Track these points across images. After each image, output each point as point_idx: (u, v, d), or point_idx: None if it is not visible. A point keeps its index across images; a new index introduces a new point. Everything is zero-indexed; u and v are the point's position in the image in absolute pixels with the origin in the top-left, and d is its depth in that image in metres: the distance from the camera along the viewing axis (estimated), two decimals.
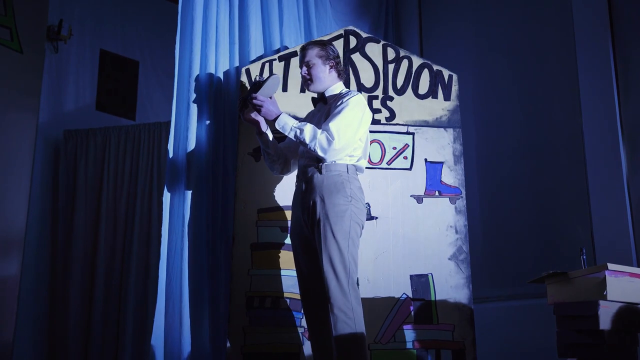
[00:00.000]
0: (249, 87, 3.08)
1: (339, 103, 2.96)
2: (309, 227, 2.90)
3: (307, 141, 2.87)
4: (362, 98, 3.02)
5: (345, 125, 2.89)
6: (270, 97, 3.06)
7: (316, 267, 2.87)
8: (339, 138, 2.86)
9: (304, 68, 3.08)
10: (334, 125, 2.87)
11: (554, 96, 4.16)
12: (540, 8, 4.34)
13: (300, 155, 3.07)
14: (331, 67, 3.08)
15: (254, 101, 2.98)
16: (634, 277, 2.66)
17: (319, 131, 2.88)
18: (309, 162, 2.97)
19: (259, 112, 2.99)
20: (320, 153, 2.87)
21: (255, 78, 3.09)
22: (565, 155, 4.02)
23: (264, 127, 3.11)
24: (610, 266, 2.61)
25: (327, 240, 2.79)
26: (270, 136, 3.15)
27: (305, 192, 2.92)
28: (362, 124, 2.97)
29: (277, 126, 2.96)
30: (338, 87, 3.10)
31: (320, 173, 2.90)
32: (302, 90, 3.54)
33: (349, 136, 2.90)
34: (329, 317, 2.76)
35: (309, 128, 2.89)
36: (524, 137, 4.28)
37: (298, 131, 2.89)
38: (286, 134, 2.94)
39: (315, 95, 3.17)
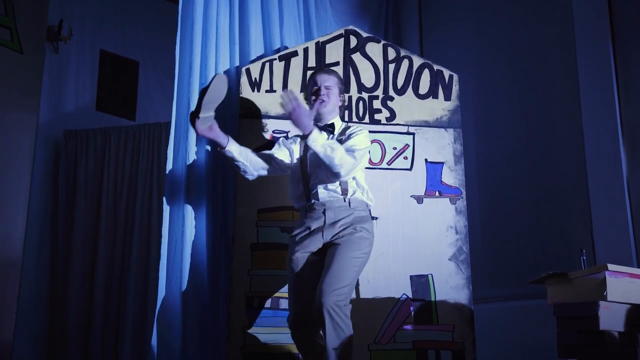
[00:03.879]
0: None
1: (351, 133, 3.02)
2: (331, 235, 2.93)
3: (336, 162, 2.87)
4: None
5: (362, 152, 3.00)
6: (222, 101, 3.02)
7: (318, 273, 2.88)
8: (358, 160, 2.97)
9: (323, 89, 3.07)
10: (357, 147, 2.95)
11: (554, 96, 4.16)
12: (541, 8, 4.34)
13: (314, 177, 3.03)
14: (341, 101, 3.16)
15: (286, 104, 2.87)
16: (634, 277, 2.65)
17: (345, 153, 2.91)
18: (330, 190, 2.98)
19: (290, 116, 2.89)
20: (342, 173, 2.91)
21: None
22: (565, 155, 4.02)
23: (225, 141, 3.02)
24: (610, 267, 2.61)
25: (352, 245, 2.87)
26: (237, 149, 3.05)
27: (334, 222, 2.95)
28: (366, 156, 3.12)
29: (309, 142, 2.88)
30: (339, 122, 3.14)
31: (350, 206, 2.97)
32: (302, 91, 3.55)
33: (362, 162, 3.04)
34: (323, 322, 2.74)
35: (341, 150, 2.89)
36: (524, 137, 4.28)
37: (329, 149, 2.87)
38: (315, 149, 2.89)
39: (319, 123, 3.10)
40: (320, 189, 2.99)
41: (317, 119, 3.07)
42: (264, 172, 3.14)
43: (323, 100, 3.07)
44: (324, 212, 2.97)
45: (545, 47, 4.26)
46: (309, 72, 3.56)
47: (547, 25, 4.29)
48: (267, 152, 3.18)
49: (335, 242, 2.93)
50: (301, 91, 3.55)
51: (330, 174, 2.93)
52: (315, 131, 2.89)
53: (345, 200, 2.98)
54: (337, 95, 3.12)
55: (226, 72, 3.69)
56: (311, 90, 3.13)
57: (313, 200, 2.99)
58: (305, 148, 3.07)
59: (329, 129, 3.09)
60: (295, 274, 2.95)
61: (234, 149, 3.04)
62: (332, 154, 2.86)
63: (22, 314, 4.28)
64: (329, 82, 3.10)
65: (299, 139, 3.16)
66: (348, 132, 3.06)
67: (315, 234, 2.96)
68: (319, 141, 2.88)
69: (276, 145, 3.21)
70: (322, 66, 3.55)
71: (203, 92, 2.91)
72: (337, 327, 2.71)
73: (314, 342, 2.90)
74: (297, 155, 3.12)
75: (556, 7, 4.22)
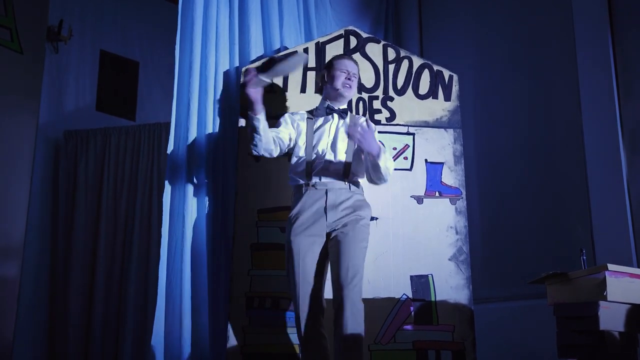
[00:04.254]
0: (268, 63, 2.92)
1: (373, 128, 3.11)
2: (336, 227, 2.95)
3: (390, 172, 3.06)
4: None
5: None
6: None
7: (323, 262, 2.93)
8: None
9: (352, 77, 3.11)
10: None
11: (554, 96, 4.16)
12: (540, 8, 4.34)
13: (319, 157, 3.05)
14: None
15: (354, 130, 2.91)
16: (634, 277, 2.65)
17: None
18: (337, 178, 3.03)
19: (359, 142, 2.93)
20: (387, 181, 3.06)
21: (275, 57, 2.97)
22: (566, 155, 4.02)
23: (259, 109, 2.98)
24: (610, 267, 2.61)
25: (359, 234, 2.93)
26: (263, 123, 3.00)
27: (336, 204, 2.98)
28: None
29: (379, 160, 2.95)
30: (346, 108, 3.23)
31: (349, 189, 3.03)
32: (303, 91, 3.55)
33: None
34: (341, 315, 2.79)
35: (391, 160, 3.07)
36: (524, 137, 4.28)
37: (389, 162, 3.02)
38: (379, 164, 2.97)
39: (328, 104, 3.13)
40: (323, 170, 3.02)
41: (334, 100, 3.11)
42: (268, 155, 3.09)
43: (349, 86, 3.10)
44: (325, 193, 2.98)
45: (545, 47, 4.26)
46: (309, 73, 3.57)
47: (546, 26, 4.29)
48: (276, 131, 3.10)
49: (341, 230, 2.93)
50: (301, 91, 3.55)
51: (377, 179, 3.04)
52: (382, 150, 2.99)
53: (345, 183, 3.01)
54: (356, 84, 3.19)
55: (226, 72, 3.69)
56: (334, 73, 3.11)
57: (315, 180, 3.01)
58: (313, 127, 3.10)
59: (343, 114, 3.14)
60: (299, 260, 2.91)
61: (262, 121, 3.00)
62: (389, 165, 3.03)
63: (22, 314, 4.28)
64: (355, 71, 3.15)
65: (306, 116, 3.16)
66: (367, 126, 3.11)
67: (317, 216, 2.96)
68: (383, 158, 2.97)
69: (283, 123, 3.15)
70: (324, 66, 3.57)
71: (279, 59, 2.92)
72: (357, 322, 2.78)
73: (322, 335, 2.89)
74: (304, 133, 3.11)
75: (556, 8, 4.22)
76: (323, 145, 3.05)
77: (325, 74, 3.18)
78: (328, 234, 2.96)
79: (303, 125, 3.14)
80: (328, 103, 3.14)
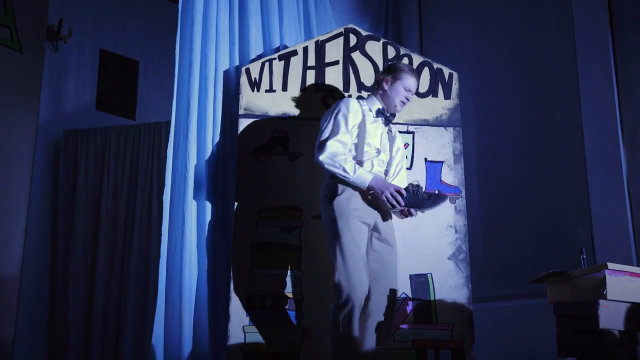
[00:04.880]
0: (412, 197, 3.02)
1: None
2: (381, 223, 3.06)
3: None
4: None
5: None
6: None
7: None
8: None
9: (411, 99, 3.20)
10: None
11: (554, 95, 4.16)
12: (541, 7, 4.35)
13: (369, 153, 3.13)
14: None
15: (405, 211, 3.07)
16: (634, 276, 2.65)
17: None
18: (380, 166, 3.16)
19: (391, 208, 3.00)
20: None
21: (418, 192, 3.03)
22: (566, 155, 4.02)
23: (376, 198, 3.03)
24: (610, 265, 2.60)
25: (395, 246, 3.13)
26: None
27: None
28: None
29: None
30: None
31: None
32: (302, 90, 3.55)
33: None
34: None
35: None
36: (524, 136, 4.28)
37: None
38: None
39: (382, 110, 3.19)
40: (372, 162, 3.09)
41: (386, 107, 3.20)
42: None
43: (405, 104, 3.20)
44: None
45: (545, 46, 4.26)
46: (309, 71, 3.57)
47: (547, 25, 4.29)
48: (344, 148, 3.03)
49: (385, 243, 3.04)
50: (301, 91, 3.55)
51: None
52: None
53: (386, 180, 3.11)
54: None
55: (226, 72, 3.69)
56: (399, 87, 3.14)
57: (367, 168, 3.06)
58: (366, 120, 3.11)
59: (391, 118, 3.23)
60: (354, 246, 2.89)
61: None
62: None
63: (22, 314, 4.28)
64: (415, 91, 3.23)
65: (362, 107, 3.13)
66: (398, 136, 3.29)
67: (368, 204, 2.99)
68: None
69: (342, 123, 3.04)
70: (324, 65, 3.58)
71: (428, 197, 3.03)
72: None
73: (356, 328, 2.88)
74: (359, 124, 3.09)
75: (556, 7, 4.22)
76: (372, 140, 3.09)
77: (389, 78, 3.17)
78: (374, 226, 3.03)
79: (360, 115, 3.10)
80: (382, 108, 3.18)
